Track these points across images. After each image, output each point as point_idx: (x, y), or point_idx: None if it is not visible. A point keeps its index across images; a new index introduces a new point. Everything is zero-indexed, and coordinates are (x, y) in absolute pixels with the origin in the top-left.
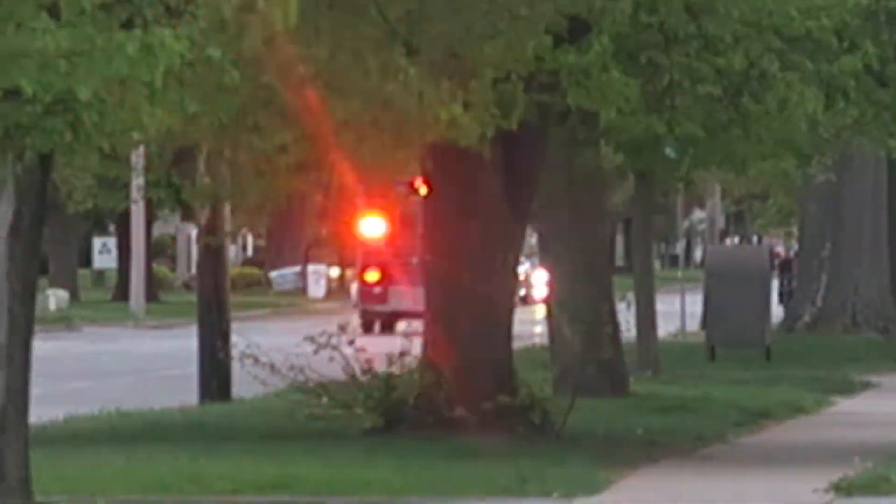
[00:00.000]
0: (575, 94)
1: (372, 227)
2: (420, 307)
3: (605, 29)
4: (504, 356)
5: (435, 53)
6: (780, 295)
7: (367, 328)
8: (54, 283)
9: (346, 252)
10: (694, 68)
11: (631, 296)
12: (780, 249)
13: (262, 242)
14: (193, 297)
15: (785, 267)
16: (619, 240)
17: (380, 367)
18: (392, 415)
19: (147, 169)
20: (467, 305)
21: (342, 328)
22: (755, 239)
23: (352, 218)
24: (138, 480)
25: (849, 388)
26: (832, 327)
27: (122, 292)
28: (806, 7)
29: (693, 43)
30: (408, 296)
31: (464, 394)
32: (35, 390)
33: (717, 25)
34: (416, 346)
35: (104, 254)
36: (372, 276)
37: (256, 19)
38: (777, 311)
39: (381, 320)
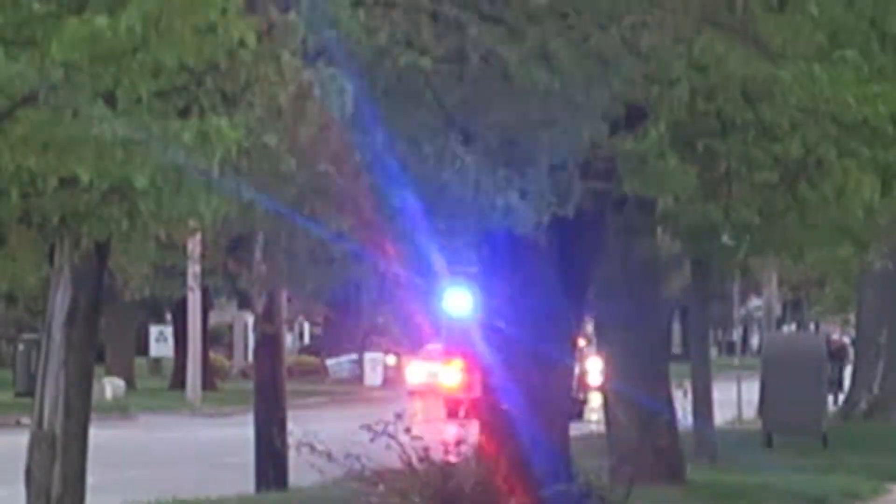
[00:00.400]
0: (631, 182)
1: (458, 302)
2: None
3: (662, 116)
4: (561, 444)
5: (491, 141)
6: (829, 384)
7: (452, 414)
8: (111, 372)
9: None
10: (751, 155)
11: (687, 383)
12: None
13: (318, 330)
14: (250, 386)
15: (835, 354)
16: (676, 327)
17: (436, 455)
18: (449, 503)
19: (203, 257)
20: (523, 393)
21: (399, 416)
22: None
23: (433, 294)
24: None
25: None
26: (889, 414)
27: (179, 380)
28: (863, 94)
29: (750, 130)
30: None
31: (520, 482)
32: (91, 479)
33: (775, 112)
34: (473, 434)
35: (161, 342)
36: (456, 364)
37: (312, 107)
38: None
39: (465, 406)
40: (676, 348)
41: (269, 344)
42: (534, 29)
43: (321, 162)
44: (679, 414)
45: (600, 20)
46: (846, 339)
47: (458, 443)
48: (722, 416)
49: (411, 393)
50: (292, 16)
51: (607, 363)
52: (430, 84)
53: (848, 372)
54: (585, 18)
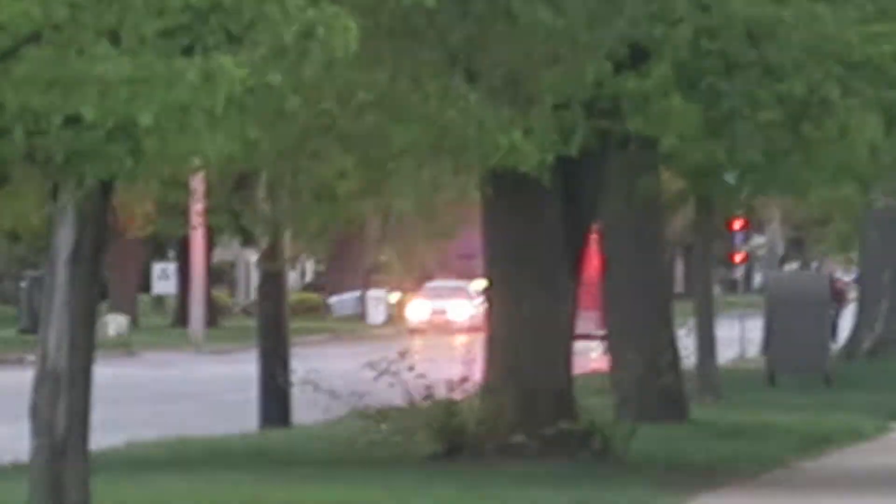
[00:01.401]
0: (635, 120)
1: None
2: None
3: (666, 55)
4: (564, 382)
5: (495, 79)
6: None
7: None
8: (114, 309)
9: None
10: (755, 95)
11: (691, 322)
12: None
13: (321, 268)
14: (253, 323)
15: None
16: (679, 265)
17: (440, 393)
18: (452, 441)
19: (207, 195)
20: (527, 332)
21: (402, 354)
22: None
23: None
24: None
25: None
26: (892, 354)
27: (182, 318)
28: (866, 33)
29: (754, 69)
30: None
31: (524, 420)
32: (95, 416)
33: (778, 52)
34: (477, 372)
35: (164, 279)
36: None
37: (316, 45)
38: None
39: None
40: (679, 287)
41: (271, 282)
42: None
43: (325, 101)
44: (682, 353)
45: None
46: (846, 280)
47: (462, 380)
48: (725, 354)
49: (412, 331)
50: None
51: (610, 301)
52: (434, 23)
53: (845, 317)
54: None
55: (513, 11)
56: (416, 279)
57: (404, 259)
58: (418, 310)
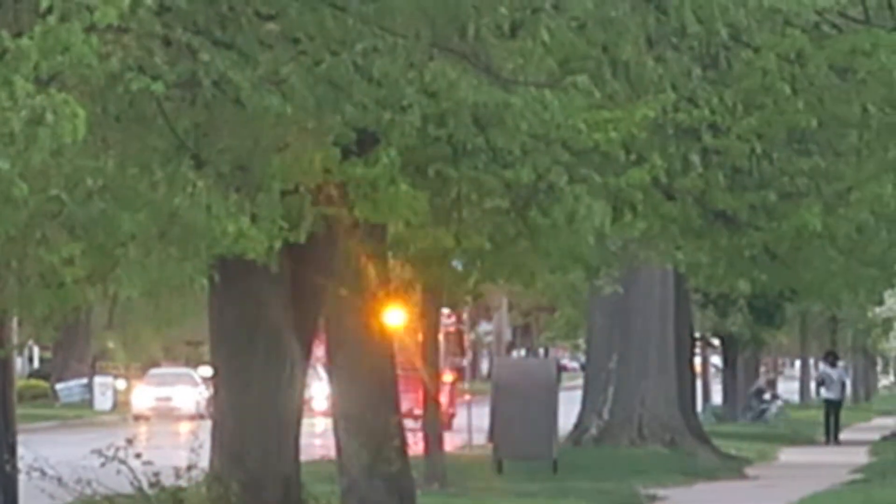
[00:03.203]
0: (363, 207)
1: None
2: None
3: (394, 141)
4: (291, 469)
5: (223, 166)
6: None
7: None
8: None
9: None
10: (482, 181)
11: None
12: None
13: (48, 354)
14: None
15: None
16: None
17: (168, 480)
18: None
19: None
20: (254, 418)
21: (129, 441)
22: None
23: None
24: None
25: (635, 502)
26: (619, 440)
27: None
28: (594, 120)
29: (481, 156)
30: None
31: None
32: None
33: (506, 138)
34: (204, 459)
35: None
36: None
37: (45, 132)
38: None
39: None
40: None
41: None
42: (266, 54)
43: (53, 187)
44: (409, 439)
45: (332, 46)
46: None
47: (189, 467)
48: (452, 441)
49: (137, 417)
50: (25, 41)
51: (337, 387)
52: (163, 109)
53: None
54: (317, 44)
55: (241, 98)
56: (143, 366)
57: (131, 345)
58: (143, 397)
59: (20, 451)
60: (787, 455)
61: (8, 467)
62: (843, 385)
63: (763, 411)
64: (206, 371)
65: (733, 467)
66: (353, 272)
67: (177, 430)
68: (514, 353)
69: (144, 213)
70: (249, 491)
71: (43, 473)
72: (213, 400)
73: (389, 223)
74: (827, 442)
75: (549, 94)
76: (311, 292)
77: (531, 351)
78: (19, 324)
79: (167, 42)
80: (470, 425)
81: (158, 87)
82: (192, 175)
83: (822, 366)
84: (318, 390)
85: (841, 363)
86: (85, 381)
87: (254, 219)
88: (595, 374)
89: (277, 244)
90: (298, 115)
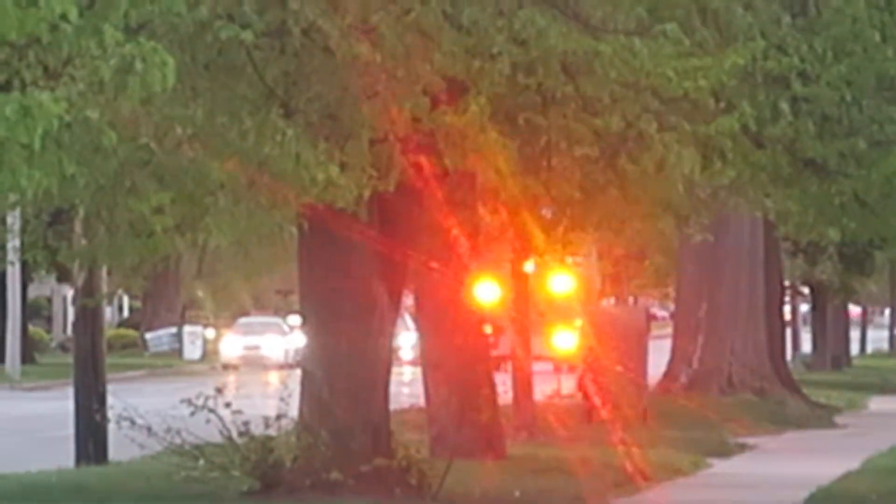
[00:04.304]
0: (452, 156)
1: (488, 292)
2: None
3: (483, 90)
4: (381, 418)
5: (312, 114)
6: None
7: None
8: None
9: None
10: (571, 129)
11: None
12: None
13: (138, 304)
14: (70, 359)
15: None
16: None
17: (257, 429)
18: (269, 477)
19: (23, 230)
20: (343, 367)
21: (219, 390)
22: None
23: (466, 284)
24: None
25: (725, 450)
26: (708, 388)
27: None
28: (683, 68)
29: (570, 104)
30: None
31: (341, 456)
32: None
33: (595, 86)
34: (294, 409)
35: None
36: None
37: (134, 80)
38: None
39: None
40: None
41: (88, 317)
42: (355, 2)
43: (142, 136)
44: (499, 388)
45: None
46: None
47: (279, 417)
48: (541, 389)
49: (225, 367)
50: None
51: (426, 336)
52: (252, 58)
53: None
54: None
55: (330, 46)
56: (232, 315)
57: (220, 295)
58: (231, 345)
59: (110, 400)
60: (877, 404)
61: (98, 416)
62: None
63: None
64: (296, 320)
65: (823, 416)
66: (441, 223)
67: (266, 380)
68: (604, 302)
69: (234, 161)
70: (339, 440)
71: (132, 423)
72: (303, 349)
73: (479, 172)
74: None
75: (638, 42)
76: (400, 241)
77: (620, 299)
78: (109, 273)
79: None
80: (559, 374)
81: (247, 35)
82: (282, 123)
83: None
84: (406, 340)
85: None
86: (174, 330)
87: (343, 167)
88: (685, 322)
89: (367, 193)
90: (388, 63)
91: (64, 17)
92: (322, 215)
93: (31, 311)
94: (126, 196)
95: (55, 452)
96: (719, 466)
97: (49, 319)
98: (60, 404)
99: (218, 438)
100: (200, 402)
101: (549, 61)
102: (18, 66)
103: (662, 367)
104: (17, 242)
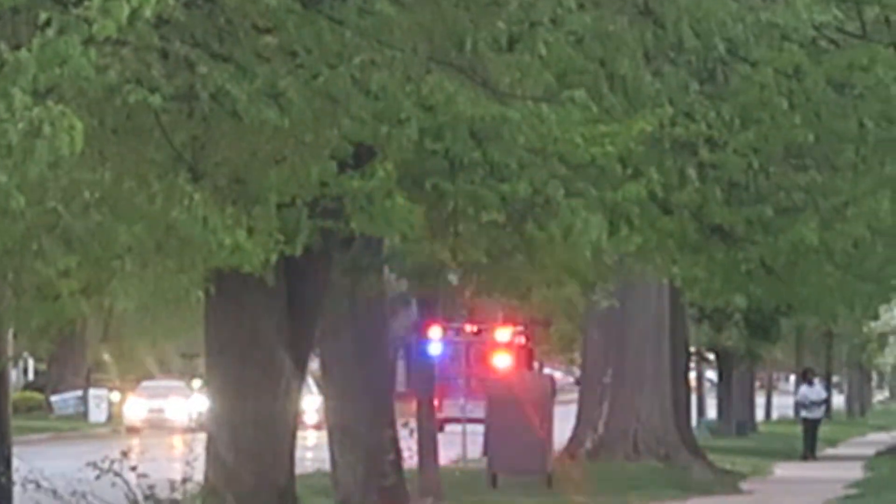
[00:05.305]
0: (359, 220)
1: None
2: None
3: (391, 155)
4: (286, 482)
5: (220, 178)
6: None
7: None
8: None
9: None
10: (478, 195)
11: (413, 422)
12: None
13: (43, 366)
14: None
15: None
16: (401, 365)
17: (162, 492)
18: None
19: None
20: (249, 431)
21: (125, 453)
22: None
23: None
24: None
25: None
26: (614, 454)
27: None
28: (591, 134)
29: (478, 169)
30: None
31: None
32: None
33: (503, 152)
34: (199, 472)
35: None
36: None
37: (42, 144)
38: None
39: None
40: (401, 386)
41: None
42: (263, 67)
43: (50, 199)
44: (404, 453)
45: (329, 59)
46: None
47: (184, 480)
48: (447, 455)
49: (129, 430)
50: (23, 53)
51: (332, 401)
52: (160, 122)
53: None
54: (315, 57)
55: (238, 111)
56: (137, 378)
57: (125, 358)
58: (135, 408)
59: (15, 462)
60: (782, 470)
61: (3, 479)
62: (824, 401)
63: None
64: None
65: (728, 482)
66: (348, 286)
67: (170, 443)
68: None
69: (141, 225)
70: (244, 503)
71: (38, 486)
72: (207, 412)
73: (386, 237)
74: (805, 458)
75: (547, 108)
76: (306, 306)
77: (526, 366)
78: (15, 336)
79: (165, 55)
80: (465, 439)
81: (156, 99)
82: (189, 188)
83: (802, 388)
84: (310, 403)
85: (817, 379)
86: (80, 393)
87: (250, 232)
88: (590, 388)
89: (274, 257)
90: (296, 128)
91: None
92: (229, 279)
93: None
94: (33, 259)
95: None
96: None
97: None
98: None
99: (124, 502)
100: (106, 465)
101: (457, 127)
102: None
103: (568, 433)
104: None
